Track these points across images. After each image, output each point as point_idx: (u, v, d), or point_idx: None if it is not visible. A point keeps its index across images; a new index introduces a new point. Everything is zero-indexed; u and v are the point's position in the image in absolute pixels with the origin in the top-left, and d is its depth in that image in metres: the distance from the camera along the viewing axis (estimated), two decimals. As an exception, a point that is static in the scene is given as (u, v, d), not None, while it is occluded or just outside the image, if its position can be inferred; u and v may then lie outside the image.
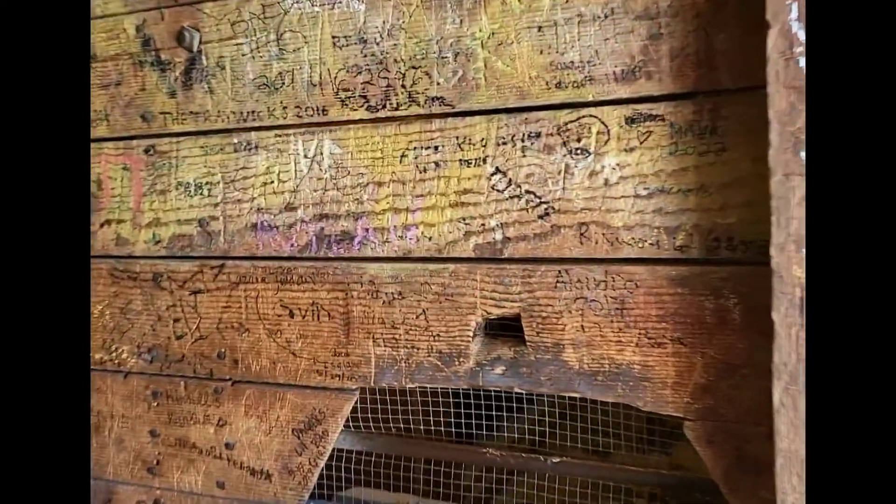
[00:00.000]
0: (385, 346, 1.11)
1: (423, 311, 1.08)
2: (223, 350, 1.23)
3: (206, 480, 1.28)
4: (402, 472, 1.26)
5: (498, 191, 1.01)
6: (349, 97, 1.08)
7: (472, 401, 1.20)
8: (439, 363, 1.08)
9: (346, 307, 1.13)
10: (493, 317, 1.04)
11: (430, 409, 1.22)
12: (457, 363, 1.07)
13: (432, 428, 1.25)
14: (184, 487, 1.30)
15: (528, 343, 1.02)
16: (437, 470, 1.25)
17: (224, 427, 1.25)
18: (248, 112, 1.15)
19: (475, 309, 1.05)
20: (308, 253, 1.14)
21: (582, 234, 0.98)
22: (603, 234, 0.96)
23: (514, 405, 1.20)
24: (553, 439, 1.17)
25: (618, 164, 0.95)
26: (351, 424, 1.21)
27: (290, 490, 1.22)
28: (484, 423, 1.21)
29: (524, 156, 1.00)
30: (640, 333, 0.96)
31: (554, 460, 1.08)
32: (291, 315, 1.17)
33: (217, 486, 1.28)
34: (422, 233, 1.06)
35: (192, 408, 1.27)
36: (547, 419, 1.20)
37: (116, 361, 1.30)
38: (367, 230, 1.10)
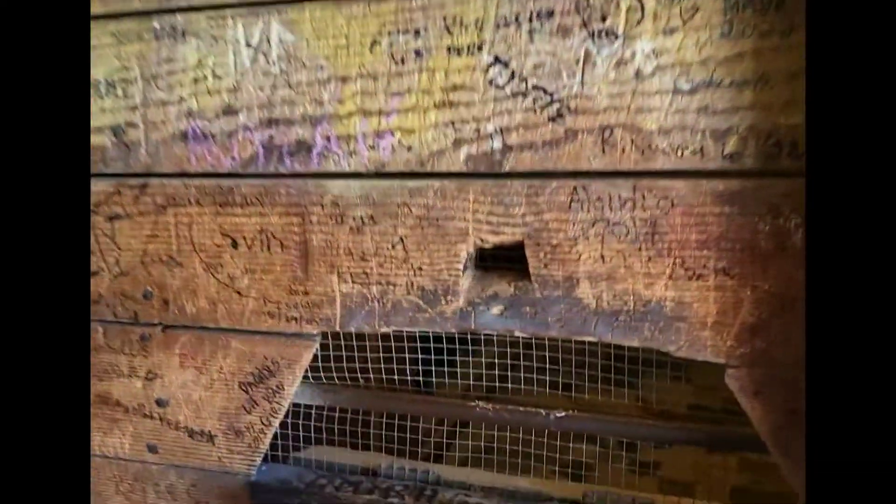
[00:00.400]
0: (353, 282, 0.91)
1: (401, 238, 0.87)
2: (150, 289, 1.00)
3: (135, 443, 1.08)
4: (350, 425, 1.07)
5: (497, 86, 0.80)
6: (303, -34, 0.84)
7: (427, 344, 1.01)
8: (421, 302, 0.88)
9: (304, 235, 0.91)
10: (489, 245, 0.85)
11: (378, 354, 1.03)
12: (443, 302, 0.88)
13: (382, 376, 1.06)
14: (108, 452, 1.09)
15: (532, 277, 0.83)
16: (389, 423, 1.07)
17: (154, 381, 1.04)
18: (171, -14, 0.89)
19: (466, 236, 0.85)
20: (253, 168, 0.91)
21: (605, 141, 0.78)
22: (632, 140, 0.77)
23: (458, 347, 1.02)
24: (505, 382, 1.00)
25: (653, 51, 0.75)
26: (310, 375, 1.01)
27: (238, 453, 1.02)
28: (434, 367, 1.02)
29: (531, 41, 0.78)
30: (674, 263, 0.78)
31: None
32: (234, 245, 0.95)
33: (148, 450, 1.07)
34: (399, 141, 0.85)
35: (114, 358, 1.05)
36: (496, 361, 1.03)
37: (17, 304, 1.06)
38: (328, 139, 0.88)
